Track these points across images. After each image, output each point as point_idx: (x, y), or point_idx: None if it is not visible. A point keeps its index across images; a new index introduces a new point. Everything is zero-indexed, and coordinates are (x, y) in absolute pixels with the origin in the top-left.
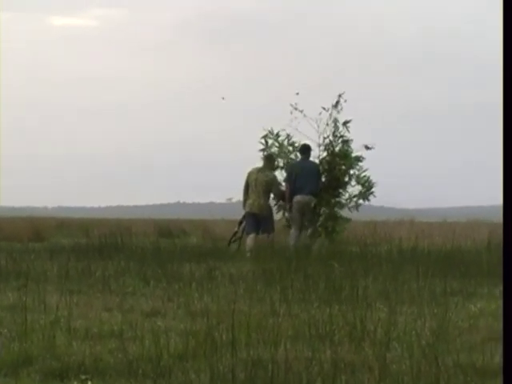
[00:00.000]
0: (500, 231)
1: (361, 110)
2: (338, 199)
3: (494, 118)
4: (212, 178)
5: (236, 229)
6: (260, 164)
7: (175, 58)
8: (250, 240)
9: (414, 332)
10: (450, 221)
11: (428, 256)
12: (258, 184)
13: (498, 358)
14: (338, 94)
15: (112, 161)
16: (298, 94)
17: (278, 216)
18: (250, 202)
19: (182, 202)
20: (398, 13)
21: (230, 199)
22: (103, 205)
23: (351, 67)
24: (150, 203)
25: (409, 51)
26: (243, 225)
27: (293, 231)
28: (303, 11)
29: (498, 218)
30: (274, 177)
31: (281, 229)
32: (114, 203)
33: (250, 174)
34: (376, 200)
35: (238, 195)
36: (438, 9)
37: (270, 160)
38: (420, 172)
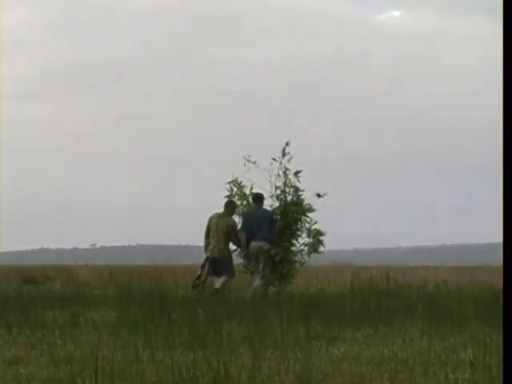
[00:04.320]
0: (362, 275)
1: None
2: (291, 247)
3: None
4: (75, 224)
5: (199, 272)
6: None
7: (38, 108)
8: (222, 279)
9: (277, 377)
10: (314, 264)
11: (292, 300)
12: (219, 229)
13: None
14: (285, 141)
15: None
16: None
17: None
18: (210, 246)
19: (45, 247)
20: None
21: (93, 245)
22: None
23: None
24: (13, 250)
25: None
26: (206, 268)
27: (257, 279)
28: (175, 55)
29: (361, 261)
30: (234, 223)
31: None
32: None
33: (210, 219)
34: None
35: (102, 241)
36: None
37: (230, 206)
38: None
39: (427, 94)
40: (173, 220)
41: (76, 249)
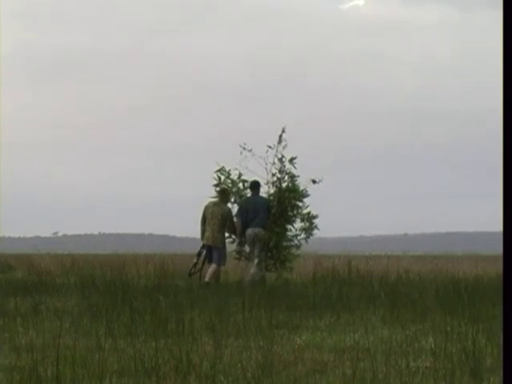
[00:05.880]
0: (325, 264)
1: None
2: (286, 233)
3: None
4: (37, 212)
5: (195, 260)
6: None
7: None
8: (211, 269)
9: (239, 365)
10: None
11: (254, 288)
12: (214, 217)
13: None
14: (282, 128)
15: None
16: None
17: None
18: (206, 234)
19: (7, 236)
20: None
21: (55, 233)
22: None
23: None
24: None
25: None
26: (202, 256)
27: (251, 264)
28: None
29: (323, 250)
30: (229, 210)
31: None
32: None
33: (206, 208)
34: None
35: (64, 229)
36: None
37: (224, 194)
38: None
39: (390, 83)
40: (135, 209)
41: (38, 237)
